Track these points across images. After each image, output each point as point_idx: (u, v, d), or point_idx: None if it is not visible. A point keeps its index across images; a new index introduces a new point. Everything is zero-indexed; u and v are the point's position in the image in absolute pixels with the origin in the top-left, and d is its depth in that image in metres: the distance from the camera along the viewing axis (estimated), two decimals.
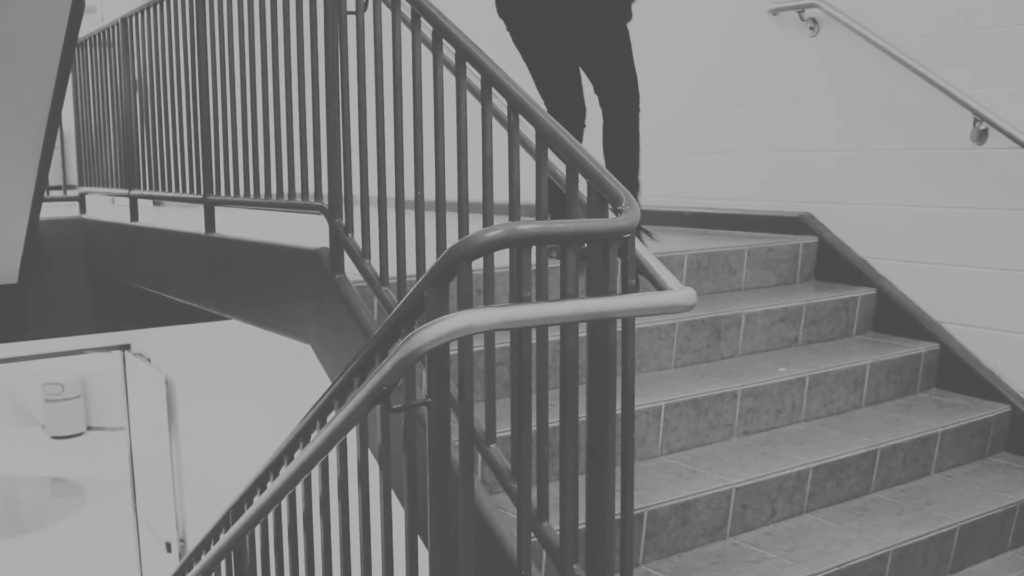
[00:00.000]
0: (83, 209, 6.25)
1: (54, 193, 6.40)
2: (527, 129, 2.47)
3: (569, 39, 3.80)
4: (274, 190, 3.62)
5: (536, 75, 3.84)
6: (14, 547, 10.77)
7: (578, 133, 3.83)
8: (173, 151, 4.67)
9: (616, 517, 2.14)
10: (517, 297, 2.00)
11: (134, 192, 5.29)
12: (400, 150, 2.87)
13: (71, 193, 6.59)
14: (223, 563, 3.11)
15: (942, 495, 3.31)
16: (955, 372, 3.92)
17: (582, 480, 2.16)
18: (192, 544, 7.40)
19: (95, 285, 5.92)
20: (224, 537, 2.97)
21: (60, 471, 13.10)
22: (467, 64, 2.63)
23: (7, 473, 13.05)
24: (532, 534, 2.22)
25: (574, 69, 3.87)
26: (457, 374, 2.01)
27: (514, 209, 2.50)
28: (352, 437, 2.15)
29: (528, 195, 2.44)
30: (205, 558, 3.11)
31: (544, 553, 2.39)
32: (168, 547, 7.77)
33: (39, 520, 11.61)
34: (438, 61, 2.71)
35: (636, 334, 2.57)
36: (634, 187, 3.89)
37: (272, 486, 2.50)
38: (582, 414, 2.19)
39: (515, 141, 2.49)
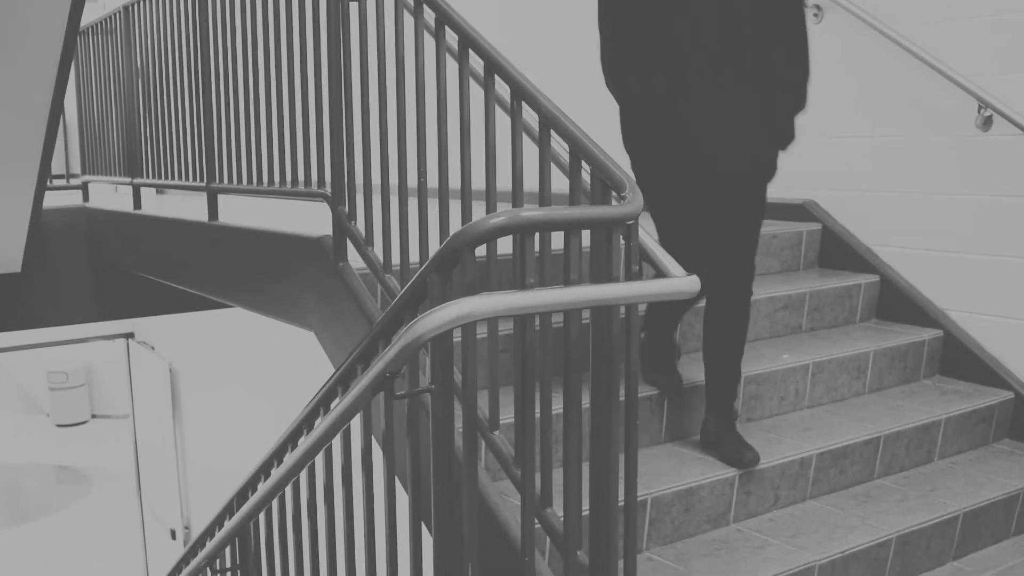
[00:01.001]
0: (86, 197, 6.24)
1: (57, 182, 6.40)
2: (531, 116, 2.47)
3: (703, 185, 2.98)
4: (277, 178, 3.62)
5: (658, 224, 3.03)
6: (20, 535, 10.81)
7: (684, 307, 3.19)
8: (176, 139, 4.67)
9: (619, 503, 2.14)
10: (520, 284, 2.00)
11: (137, 180, 5.29)
12: (403, 137, 2.87)
13: (74, 182, 6.58)
14: (227, 550, 3.12)
15: (946, 482, 3.31)
16: (959, 359, 3.91)
17: (585, 467, 2.16)
18: (197, 531, 7.42)
19: (99, 273, 5.93)
20: (228, 524, 2.98)
21: (65, 459, 13.13)
22: (470, 51, 2.62)
23: (12, 461, 13.08)
24: (536, 520, 2.22)
25: (701, 224, 3.00)
26: (460, 361, 2.02)
27: (517, 196, 2.50)
28: (356, 424, 2.16)
29: (531, 182, 2.44)
30: (210, 545, 3.12)
31: (548, 539, 2.40)
32: (173, 534, 7.79)
33: (44, 508, 11.64)
34: (440, 47, 2.71)
35: (638, 321, 2.57)
36: (735, 381, 3.14)
37: (276, 473, 2.51)
38: (585, 401, 2.19)
39: (518, 127, 2.48)
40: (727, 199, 3.01)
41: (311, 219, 3.61)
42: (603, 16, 2.96)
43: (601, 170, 2.21)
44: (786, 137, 3.05)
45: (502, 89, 2.57)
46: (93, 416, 14.68)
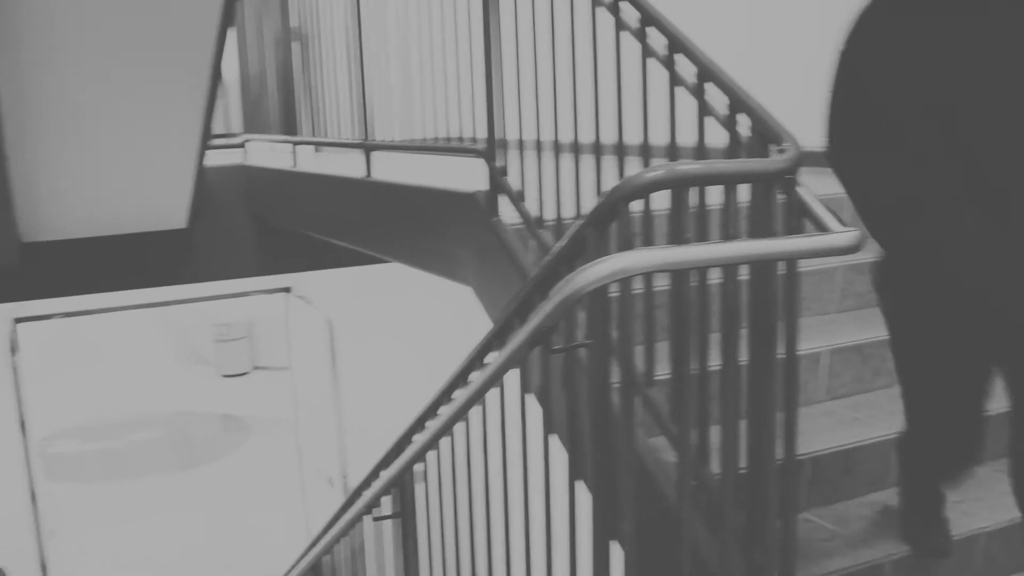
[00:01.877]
0: (246, 156, 6.44)
1: (218, 141, 6.60)
2: (686, 69, 2.43)
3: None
4: (431, 134, 3.65)
5: (909, 367, 2.44)
6: (188, 479, 11.35)
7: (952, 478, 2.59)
8: (332, 98, 4.76)
9: (778, 462, 2.11)
10: (677, 239, 1.97)
11: (294, 138, 5.42)
12: (556, 92, 2.85)
13: (234, 141, 6.78)
14: (386, 498, 3.20)
15: None
16: None
17: (742, 425, 2.13)
18: (353, 480, 7.64)
19: (258, 229, 6.11)
20: (386, 474, 3.05)
21: (229, 408, 13.69)
22: (624, 3, 2.59)
23: (181, 409, 13.72)
24: (692, 478, 2.20)
25: (983, 374, 2.33)
26: (616, 316, 2.01)
27: (673, 150, 2.46)
28: (511, 378, 2.17)
29: (686, 137, 2.40)
30: (367, 494, 3.20)
31: (704, 497, 2.38)
32: (330, 482, 8.04)
33: (210, 454, 12.18)
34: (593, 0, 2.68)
35: (798, 277, 2.51)
36: None
37: (432, 425, 2.55)
38: (742, 358, 2.16)
39: (674, 80, 2.45)
40: None
41: (464, 175, 3.63)
42: (890, 144, 2.08)
43: (759, 123, 2.16)
44: None
45: (657, 42, 2.53)
46: (255, 368, 15.24)
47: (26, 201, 4.89)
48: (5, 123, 4.01)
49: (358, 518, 3.32)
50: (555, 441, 2.32)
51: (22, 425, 7.52)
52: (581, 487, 2.09)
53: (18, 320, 7.62)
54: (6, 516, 7.58)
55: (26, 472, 7.62)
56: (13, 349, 7.47)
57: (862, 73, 2.07)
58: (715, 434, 2.23)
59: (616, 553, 2.02)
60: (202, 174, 5.24)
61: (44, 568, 7.70)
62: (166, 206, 5.49)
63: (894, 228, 2.16)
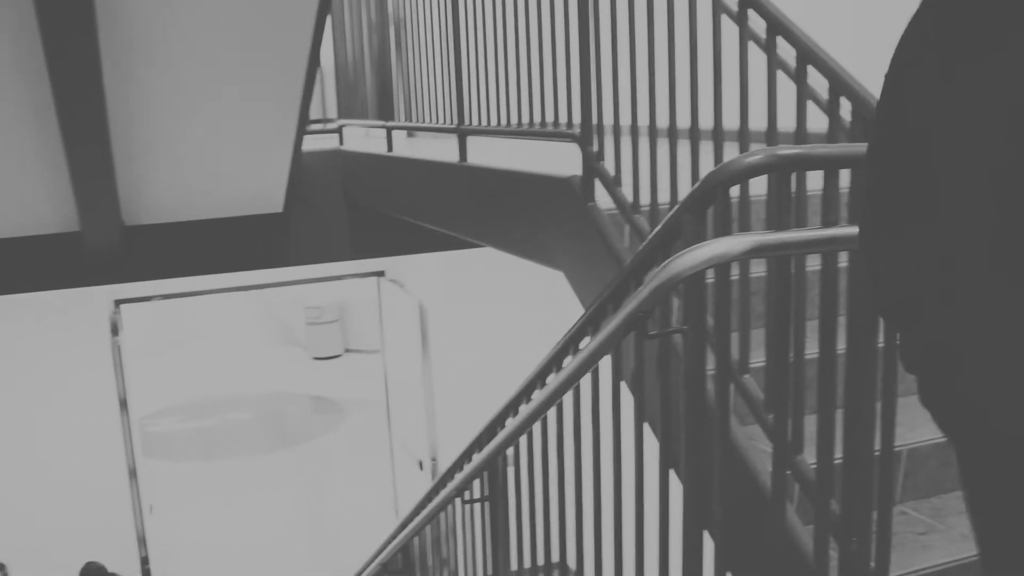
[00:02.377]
0: (341, 141, 6.51)
1: (314, 127, 6.69)
2: (787, 52, 2.39)
3: None
4: (525, 119, 3.65)
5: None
6: (281, 458, 11.56)
7: None
8: (427, 84, 4.79)
9: (875, 453, 2.07)
10: (775, 224, 1.94)
11: (389, 124, 5.47)
12: (653, 76, 2.83)
13: (330, 126, 6.87)
14: (476, 482, 3.22)
15: None
16: None
17: (838, 414, 2.10)
18: (443, 463, 7.71)
19: (352, 213, 6.18)
20: (477, 457, 3.07)
21: (321, 390, 13.89)
22: None
23: (274, 390, 13.97)
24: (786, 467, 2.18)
25: None
26: (712, 302, 1.99)
27: (772, 135, 2.42)
28: (605, 364, 2.17)
29: (785, 122, 2.36)
30: (459, 476, 3.23)
31: (797, 487, 2.35)
32: (420, 465, 8.11)
33: (302, 434, 12.39)
34: None
35: None
36: None
37: (525, 410, 2.56)
38: (840, 346, 2.12)
39: (773, 63, 2.41)
40: None
41: (558, 160, 3.63)
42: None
43: (862, 106, 2.12)
44: None
45: (757, 25, 2.49)
46: (346, 350, 15.44)
47: (128, 185, 5.02)
48: (110, 110, 4.12)
49: (449, 500, 3.35)
50: (647, 429, 2.31)
51: (123, 404, 7.73)
52: (673, 476, 2.08)
53: (119, 302, 7.83)
54: (108, 492, 7.81)
55: (126, 450, 7.84)
56: (115, 330, 7.68)
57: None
58: (810, 423, 2.20)
59: (708, 542, 2.00)
60: (299, 159, 5.32)
61: (143, 542, 7.91)
62: (263, 191, 5.58)
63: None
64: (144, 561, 7.91)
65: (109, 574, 6.38)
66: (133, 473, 7.89)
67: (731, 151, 2.23)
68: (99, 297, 7.60)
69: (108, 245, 5.38)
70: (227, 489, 10.66)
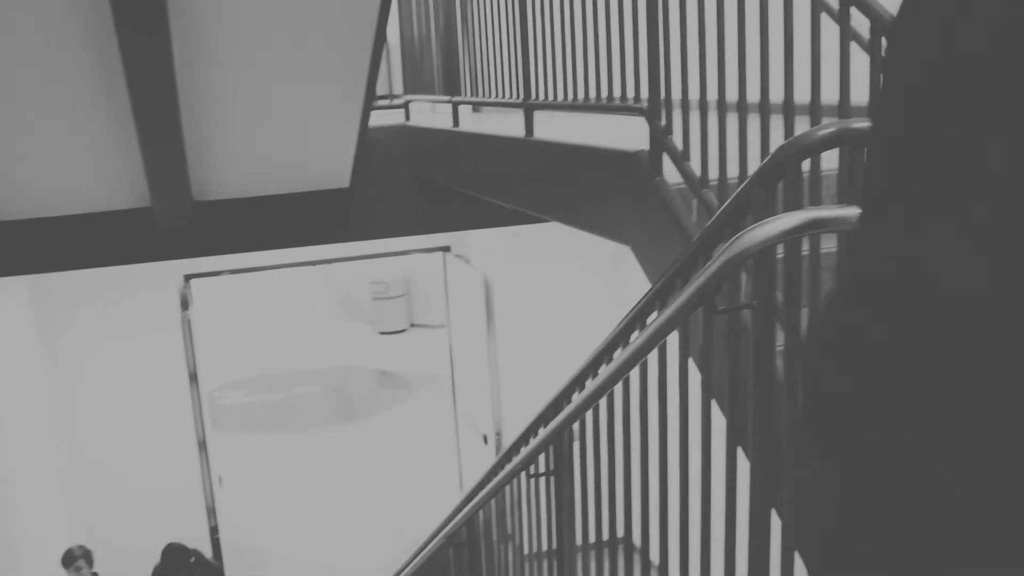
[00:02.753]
0: (407, 116, 6.52)
1: (381, 102, 6.71)
2: (860, 23, 2.34)
3: None
4: (592, 93, 3.62)
5: None
6: (347, 432, 11.69)
7: None
8: (493, 58, 4.77)
9: None
10: (847, 199, 1.91)
11: (456, 99, 5.47)
12: (722, 49, 2.79)
13: (396, 102, 6.88)
14: (542, 456, 3.23)
15: None
16: None
17: None
18: (508, 437, 7.74)
19: (418, 188, 6.20)
20: (543, 432, 3.07)
21: (386, 364, 14.01)
22: None
23: (340, 364, 14.11)
24: None
25: None
26: (782, 277, 1.96)
27: (844, 108, 2.38)
28: (672, 340, 2.15)
29: (858, 95, 2.32)
30: (525, 451, 3.23)
31: None
32: (485, 439, 8.16)
33: (368, 408, 12.52)
34: None
35: None
36: None
37: (591, 384, 2.55)
38: None
39: (846, 34, 2.36)
40: None
41: (625, 134, 3.59)
42: None
43: None
44: None
45: None
46: (412, 325, 15.54)
47: (198, 162, 5.08)
48: (180, 88, 4.17)
49: (515, 474, 3.36)
50: (714, 406, 2.29)
51: (193, 377, 7.86)
52: (740, 454, 2.06)
53: (189, 276, 7.95)
54: (178, 463, 7.97)
55: (196, 422, 7.98)
56: (185, 304, 7.80)
57: None
58: None
59: (775, 521, 1.98)
60: (365, 134, 5.34)
61: (212, 513, 8.06)
62: (330, 166, 5.62)
63: None
64: (213, 531, 8.06)
65: (190, 550, 6.50)
66: (203, 445, 8.03)
67: (802, 125, 2.19)
68: (170, 272, 7.73)
69: (178, 220, 5.45)
70: (294, 461, 10.81)
